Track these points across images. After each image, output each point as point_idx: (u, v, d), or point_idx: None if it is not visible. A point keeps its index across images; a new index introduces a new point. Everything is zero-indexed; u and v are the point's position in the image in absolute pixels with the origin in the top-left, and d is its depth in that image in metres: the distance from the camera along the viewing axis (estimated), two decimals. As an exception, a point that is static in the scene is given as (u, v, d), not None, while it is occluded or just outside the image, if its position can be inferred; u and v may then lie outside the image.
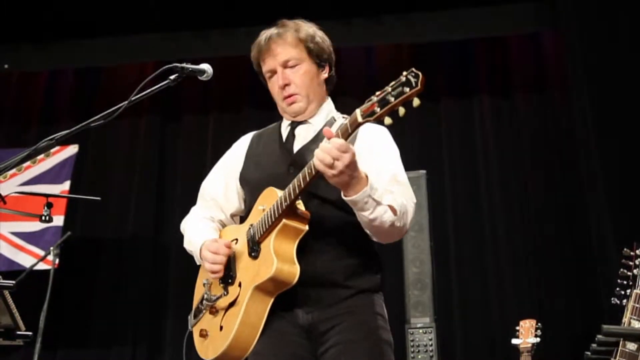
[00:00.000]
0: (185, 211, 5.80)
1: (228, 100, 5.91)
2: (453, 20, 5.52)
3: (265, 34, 2.48)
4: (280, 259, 2.10)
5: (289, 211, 2.13)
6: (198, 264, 2.49)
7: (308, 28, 2.46)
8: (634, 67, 4.69)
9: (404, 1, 5.42)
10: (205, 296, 2.34)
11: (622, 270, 2.73)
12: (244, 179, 2.46)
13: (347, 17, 5.22)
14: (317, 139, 2.29)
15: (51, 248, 4.19)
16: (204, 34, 5.69)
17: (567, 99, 5.25)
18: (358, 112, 1.91)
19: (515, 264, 5.05)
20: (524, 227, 5.15)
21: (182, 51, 5.48)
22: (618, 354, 2.56)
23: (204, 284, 2.37)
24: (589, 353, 2.64)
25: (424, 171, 4.65)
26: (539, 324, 3.66)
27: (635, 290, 2.65)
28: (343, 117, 2.37)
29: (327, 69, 2.45)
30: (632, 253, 2.74)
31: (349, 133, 1.95)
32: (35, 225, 5.10)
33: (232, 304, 2.23)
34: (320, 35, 2.46)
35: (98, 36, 5.79)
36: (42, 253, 4.87)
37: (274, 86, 2.46)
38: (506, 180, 5.28)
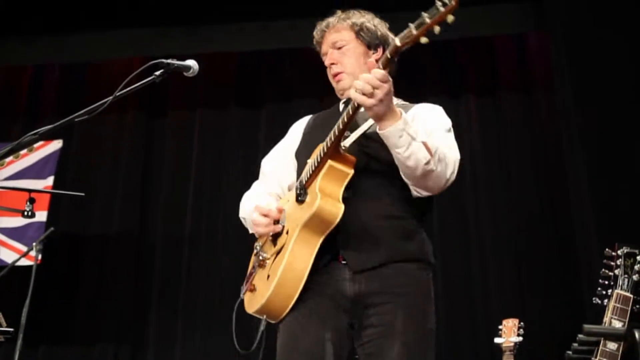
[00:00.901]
0: (171, 207, 5.83)
1: (214, 97, 5.89)
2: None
3: (322, 24, 2.63)
4: (325, 195, 2.15)
5: (335, 153, 2.19)
6: (250, 232, 2.51)
7: (360, 16, 2.58)
8: (617, 68, 4.73)
9: (391, 1, 5.43)
10: (256, 258, 2.37)
11: (603, 270, 2.75)
12: (299, 153, 2.52)
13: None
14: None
15: (34, 244, 4.17)
16: (191, 30, 5.67)
17: (552, 99, 5.28)
18: (397, 38, 2.01)
19: (499, 264, 5.07)
20: (508, 227, 5.18)
21: (169, 47, 5.45)
22: (599, 353, 2.58)
23: (255, 254, 2.41)
24: (570, 352, 2.66)
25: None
26: (522, 324, 3.68)
27: (616, 290, 2.67)
28: (396, 99, 2.39)
29: (379, 50, 2.51)
30: (613, 254, 2.76)
31: (388, 59, 2.05)
32: (17, 221, 5.07)
33: (279, 252, 2.25)
34: (372, 22, 2.58)
35: (84, 31, 5.75)
36: (24, 249, 4.85)
37: (326, 64, 2.57)
38: (491, 179, 5.31)
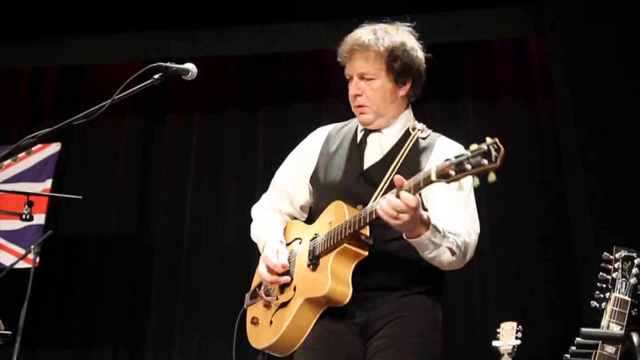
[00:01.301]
0: (170, 210, 5.83)
1: (213, 100, 5.90)
2: (438, 23, 5.54)
3: (354, 39, 2.46)
4: (335, 279, 2.18)
5: (352, 237, 2.19)
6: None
7: (397, 38, 2.44)
8: (615, 73, 4.74)
9: (389, 4, 5.43)
10: (263, 286, 2.42)
11: (601, 274, 2.75)
12: (315, 179, 2.51)
13: (334, 19, 5.22)
14: (389, 156, 2.37)
15: (32, 247, 4.17)
16: (189, 34, 5.68)
17: (551, 103, 5.29)
18: (433, 171, 1.92)
19: (497, 266, 5.07)
20: (506, 230, 5.18)
21: (167, 50, 5.46)
22: (597, 356, 2.58)
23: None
24: (568, 356, 2.66)
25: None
26: (520, 327, 3.68)
27: (614, 294, 2.68)
28: (419, 130, 2.46)
29: (408, 85, 2.45)
30: (611, 257, 2.76)
31: (420, 188, 1.99)
32: (16, 224, 5.06)
33: (284, 304, 2.32)
34: (409, 48, 2.45)
35: (83, 34, 5.76)
36: (22, 252, 4.85)
37: (349, 90, 2.48)
38: (489, 183, 5.30)
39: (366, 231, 2.20)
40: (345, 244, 2.19)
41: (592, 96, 4.75)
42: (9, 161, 5.25)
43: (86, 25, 5.70)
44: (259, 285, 2.47)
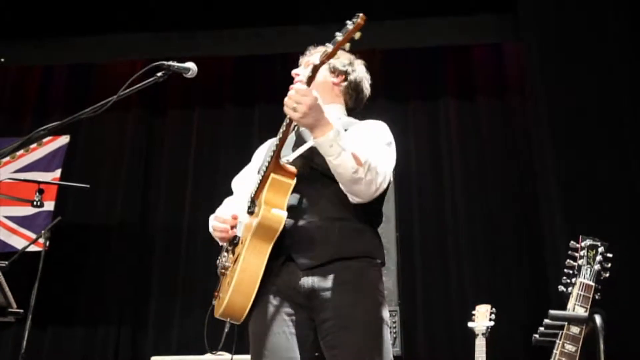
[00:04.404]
0: (170, 199, 5.83)
1: (211, 97, 5.89)
2: (422, 28, 5.56)
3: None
4: (268, 205, 2.17)
5: (277, 166, 2.20)
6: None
7: (343, 58, 2.59)
8: (585, 74, 4.77)
9: (376, 10, 5.44)
10: (219, 267, 2.40)
11: (568, 261, 2.77)
12: (260, 171, 2.46)
13: (324, 23, 5.22)
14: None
15: (42, 232, 4.18)
16: (190, 35, 5.67)
17: (526, 104, 5.31)
18: (319, 57, 2.07)
19: (473, 254, 5.10)
20: (483, 220, 5.21)
21: (169, 51, 5.46)
22: (563, 336, 2.60)
23: (217, 265, 2.44)
24: (537, 335, 2.68)
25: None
26: (493, 309, 3.71)
27: (579, 279, 2.69)
28: (351, 119, 2.49)
29: (340, 78, 2.56)
30: (577, 245, 2.78)
31: (310, 76, 2.11)
32: (27, 210, 5.07)
33: (236, 260, 2.26)
34: (351, 61, 2.63)
35: (91, 34, 5.75)
36: (33, 236, 4.85)
37: None
38: (468, 176, 5.34)
39: (288, 165, 2.24)
40: (272, 175, 2.20)
41: (564, 96, 4.78)
42: (21, 152, 5.25)
43: (94, 26, 5.69)
44: (217, 275, 2.47)
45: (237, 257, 2.25)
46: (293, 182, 2.22)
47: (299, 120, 2.11)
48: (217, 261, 2.47)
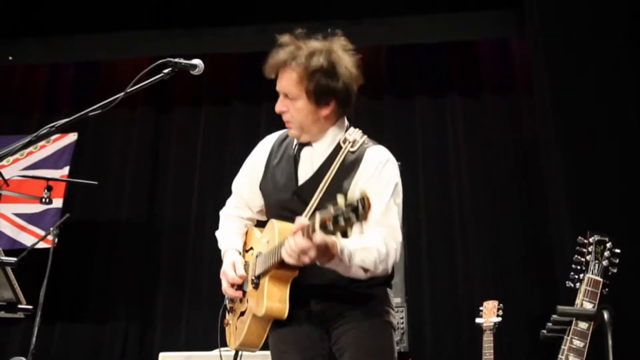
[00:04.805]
0: (178, 196, 5.84)
1: (217, 94, 5.89)
2: (428, 25, 5.54)
3: (277, 59, 2.32)
4: (271, 300, 2.19)
5: (279, 266, 2.16)
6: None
7: (321, 59, 2.24)
8: (593, 72, 4.74)
9: (383, 6, 5.43)
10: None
11: (576, 256, 2.76)
12: (263, 189, 2.48)
13: (330, 19, 5.22)
14: (319, 173, 2.30)
15: (51, 228, 4.18)
16: (196, 32, 5.66)
17: (531, 101, 5.29)
18: (317, 221, 1.82)
19: (481, 249, 5.09)
20: (490, 217, 5.19)
21: (176, 47, 5.44)
22: (571, 332, 2.60)
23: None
24: (545, 331, 2.68)
25: (399, 163, 4.64)
26: (501, 305, 3.70)
27: (587, 275, 2.69)
28: (350, 143, 2.32)
29: (331, 105, 2.29)
30: (585, 241, 2.78)
31: (311, 233, 1.88)
32: (36, 207, 5.07)
33: (242, 314, 2.36)
34: (332, 68, 2.25)
35: (98, 32, 5.75)
36: (42, 233, 4.86)
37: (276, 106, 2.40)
38: (474, 172, 5.32)
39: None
40: (274, 270, 2.18)
41: (570, 93, 4.75)
42: (30, 149, 5.26)
43: (101, 24, 5.69)
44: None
45: (244, 312, 2.35)
46: (295, 274, 2.21)
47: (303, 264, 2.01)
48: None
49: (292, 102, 2.30)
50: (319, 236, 1.86)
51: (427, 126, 5.53)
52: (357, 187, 2.20)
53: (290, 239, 1.96)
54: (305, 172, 2.35)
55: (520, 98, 5.47)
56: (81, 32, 5.77)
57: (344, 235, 1.80)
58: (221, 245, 2.54)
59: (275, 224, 2.24)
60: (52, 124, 2.09)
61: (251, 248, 2.45)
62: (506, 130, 5.43)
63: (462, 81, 5.63)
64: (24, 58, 5.97)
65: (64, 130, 5.16)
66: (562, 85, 4.79)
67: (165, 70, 2.23)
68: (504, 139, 5.39)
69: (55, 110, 5.87)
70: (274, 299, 2.19)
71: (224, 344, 2.49)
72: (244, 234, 2.57)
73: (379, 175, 2.28)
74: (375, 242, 2.13)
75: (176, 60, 2.24)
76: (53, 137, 5.33)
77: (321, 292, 2.27)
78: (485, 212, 5.20)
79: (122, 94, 2.13)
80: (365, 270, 2.12)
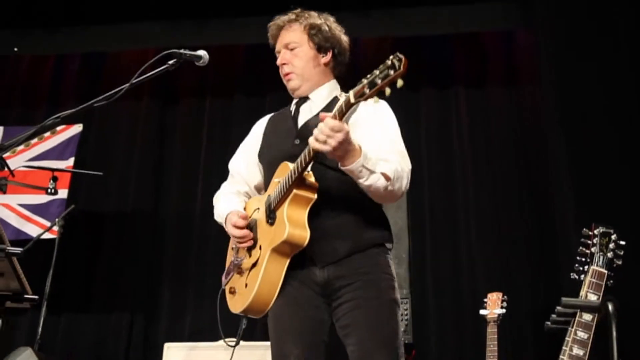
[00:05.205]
0: (183, 187, 5.85)
1: (222, 86, 5.88)
2: (434, 16, 5.51)
3: (281, 18, 2.62)
4: (292, 224, 2.20)
5: (299, 182, 2.21)
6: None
7: (316, 19, 2.57)
8: (598, 65, 4.72)
9: (391, -1, 5.42)
10: (233, 259, 2.47)
11: (581, 248, 2.76)
12: (262, 155, 2.58)
13: (336, 11, 5.19)
14: (319, 115, 2.34)
15: (56, 219, 4.20)
16: (201, 23, 5.65)
17: (537, 93, 5.27)
18: (351, 93, 1.98)
19: (485, 241, 5.08)
20: (494, 208, 5.18)
21: (181, 39, 5.43)
22: (575, 323, 2.60)
23: (232, 248, 2.52)
24: (549, 323, 2.68)
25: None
26: (505, 297, 3.70)
27: (592, 267, 2.69)
28: (345, 96, 2.40)
29: (329, 54, 2.54)
30: (590, 233, 2.78)
31: (343, 113, 2.04)
32: (41, 198, 5.08)
33: (254, 265, 2.34)
34: (327, 25, 2.57)
35: (103, 23, 5.74)
36: (47, 224, 4.87)
37: (277, 61, 2.59)
38: (478, 164, 5.31)
39: (310, 177, 2.24)
40: (294, 191, 2.21)
41: (575, 86, 4.74)
42: (35, 140, 5.27)
43: (106, 15, 5.68)
44: (231, 263, 2.52)
45: (256, 261, 2.32)
46: (315, 196, 2.24)
47: (328, 154, 2.09)
48: (232, 247, 2.51)
49: (293, 51, 2.53)
50: (346, 126, 2.03)
51: (432, 117, 5.51)
52: (359, 124, 2.30)
53: (319, 124, 2.06)
54: (304, 119, 2.47)
55: (526, 90, 5.45)
56: (86, 23, 5.76)
57: (382, 95, 1.90)
58: (221, 214, 2.57)
59: (286, 163, 2.30)
60: (57, 115, 2.10)
61: (255, 210, 2.46)
62: (511, 122, 5.41)
63: (468, 73, 5.61)
64: (30, 49, 5.96)
65: (69, 121, 5.19)
66: (568, 77, 4.77)
67: (171, 62, 2.24)
68: (508, 131, 5.38)
69: (61, 102, 5.88)
70: (295, 223, 2.20)
71: (226, 334, 2.49)
72: (243, 200, 2.61)
73: (381, 111, 2.47)
74: (392, 158, 2.25)
75: (181, 51, 2.25)
76: (58, 128, 5.34)
77: (324, 254, 2.28)
78: (489, 204, 5.19)
79: (128, 85, 2.14)
80: (387, 178, 2.17)
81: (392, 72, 1.87)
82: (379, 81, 1.90)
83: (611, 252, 2.71)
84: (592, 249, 2.73)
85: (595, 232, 2.77)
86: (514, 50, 5.64)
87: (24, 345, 3.89)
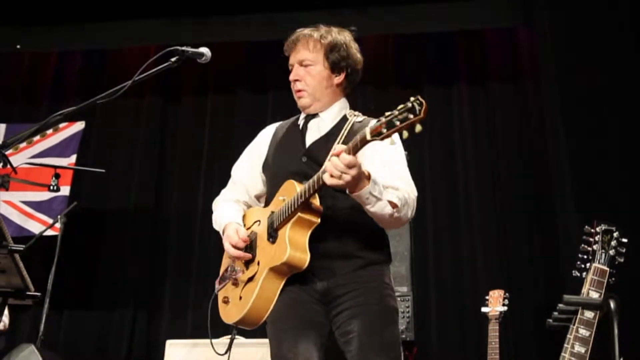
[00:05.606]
0: (185, 184, 5.85)
1: (224, 83, 5.88)
2: (436, 13, 5.51)
3: (300, 31, 2.53)
4: (294, 246, 2.20)
5: (304, 206, 2.21)
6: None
7: (337, 35, 2.50)
8: (599, 62, 4.72)
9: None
10: (230, 268, 2.46)
11: (583, 245, 2.76)
12: (266, 167, 2.55)
13: (337, 8, 5.20)
14: (328, 136, 2.40)
15: (59, 216, 4.21)
16: (203, 20, 5.66)
17: (538, 89, 5.27)
18: (367, 130, 1.96)
19: (486, 239, 5.08)
20: (495, 205, 5.18)
21: (183, 36, 5.44)
22: (577, 321, 2.59)
23: (227, 258, 2.51)
24: (550, 320, 2.67)
25: (405, 152, 4.64)
26: (507, 294, 3.70)
27: (594, 264, 2.68)
28: (355, 115, 2.46)
29: (342, 75, 2.50)
30: (592, 230, 2.77)
31: (358, 149, 2.02)
32: (43, 195, 5.10)
33: (250, 279, 2.34)
34: (347, 46, 2.50)
35: (105, 20, 5.74)
36: (49, 220, 4.88)
37: (290, 77, 2.54)
38: (480, 162, 5.31)
39: (316, 200, 2.23)
40: (299, 214, 2.21)
41: (576, 83, 4.74)
42: (37, 137, 5.27)
43: (108, 12, 5.68)
44: (226, 270, 2.51)
45: (253, 277, 2.33)
46: (318, 220, 2.24)
47: (341, 186, 2.08)
48: (229, 265, 2.50)
49: (307, 69, 2.48)
50: (359, 161, 2.02)
51: (434, 115, 5.51)
52: (367, 150, 2.25)
53: (333, 158, 2.04)
54: (313, 137, 2.45)
55: (528, 87, 5.45)
56: (88, 20, 5.76)
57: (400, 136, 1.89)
58: (220, 222, 2.57)
59: (293, 181, 2.29)
60: (59, 112, 2.10)
61: (255, 222, 2.45)
62: (513, 119, 5.41)
63: (470, 70, 5.60)
64: (32, 46, 5.97)
65: (72, 118, 5.19)
66: (569, 74, 4.77)
67: (173, 59, 2.24)
68: (510, 128, 5.37)
69: (63, 99, 5.89)
70: (296, 245, 2.21)
71: (213, 334, 2.49)
72: (242, 209, 2.60)
73: (390, 147, 2.39)
74: (400, 186, 2.25)
75: (183, 48, 2.25)
76: (60, 126, 5.34)
77: (325, 270, 2.29)
78: (491, 201, 5.19)
79: (130, 82, 2.14)
80: (394, 205, 2.17)
81: (411, 115, 1.87)
82: (397, 123, 1.89)
83: (613, 250, 2.70)
84: (594, 246, 2.72)
85: (597, 229, 2.76)
86: (516, 47, 5.63)
87: (26, 341, 3.90)
